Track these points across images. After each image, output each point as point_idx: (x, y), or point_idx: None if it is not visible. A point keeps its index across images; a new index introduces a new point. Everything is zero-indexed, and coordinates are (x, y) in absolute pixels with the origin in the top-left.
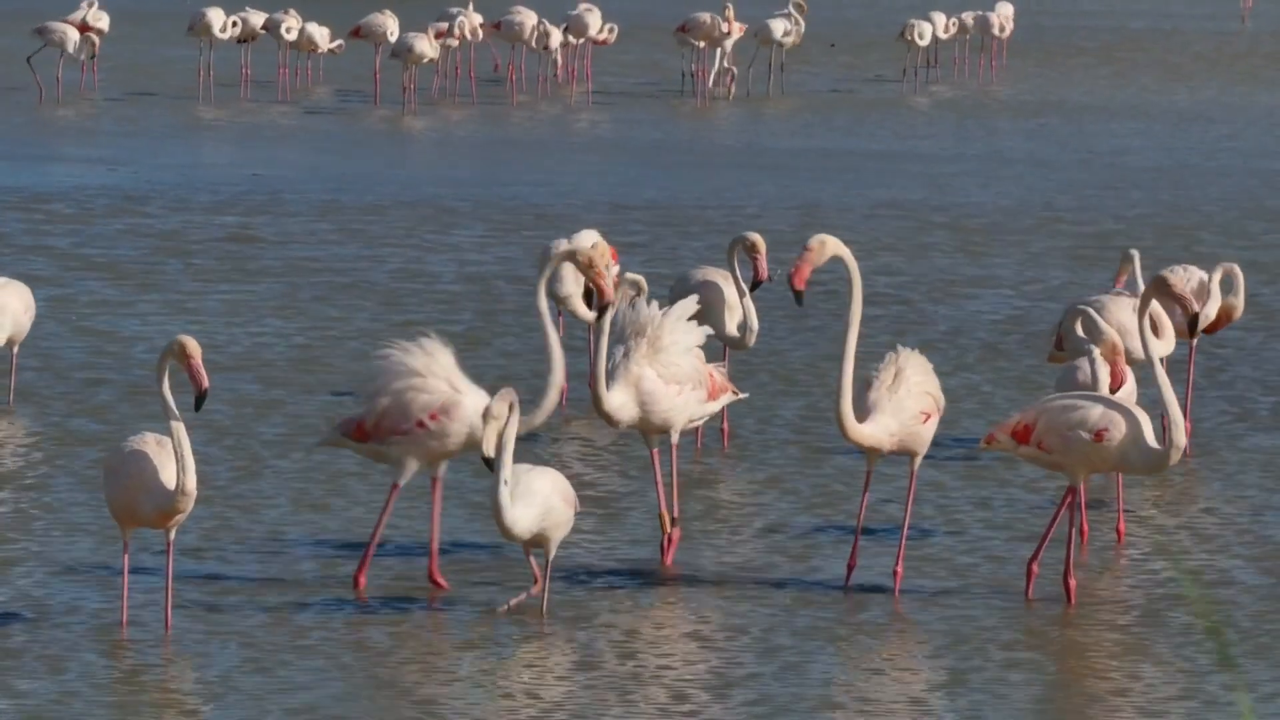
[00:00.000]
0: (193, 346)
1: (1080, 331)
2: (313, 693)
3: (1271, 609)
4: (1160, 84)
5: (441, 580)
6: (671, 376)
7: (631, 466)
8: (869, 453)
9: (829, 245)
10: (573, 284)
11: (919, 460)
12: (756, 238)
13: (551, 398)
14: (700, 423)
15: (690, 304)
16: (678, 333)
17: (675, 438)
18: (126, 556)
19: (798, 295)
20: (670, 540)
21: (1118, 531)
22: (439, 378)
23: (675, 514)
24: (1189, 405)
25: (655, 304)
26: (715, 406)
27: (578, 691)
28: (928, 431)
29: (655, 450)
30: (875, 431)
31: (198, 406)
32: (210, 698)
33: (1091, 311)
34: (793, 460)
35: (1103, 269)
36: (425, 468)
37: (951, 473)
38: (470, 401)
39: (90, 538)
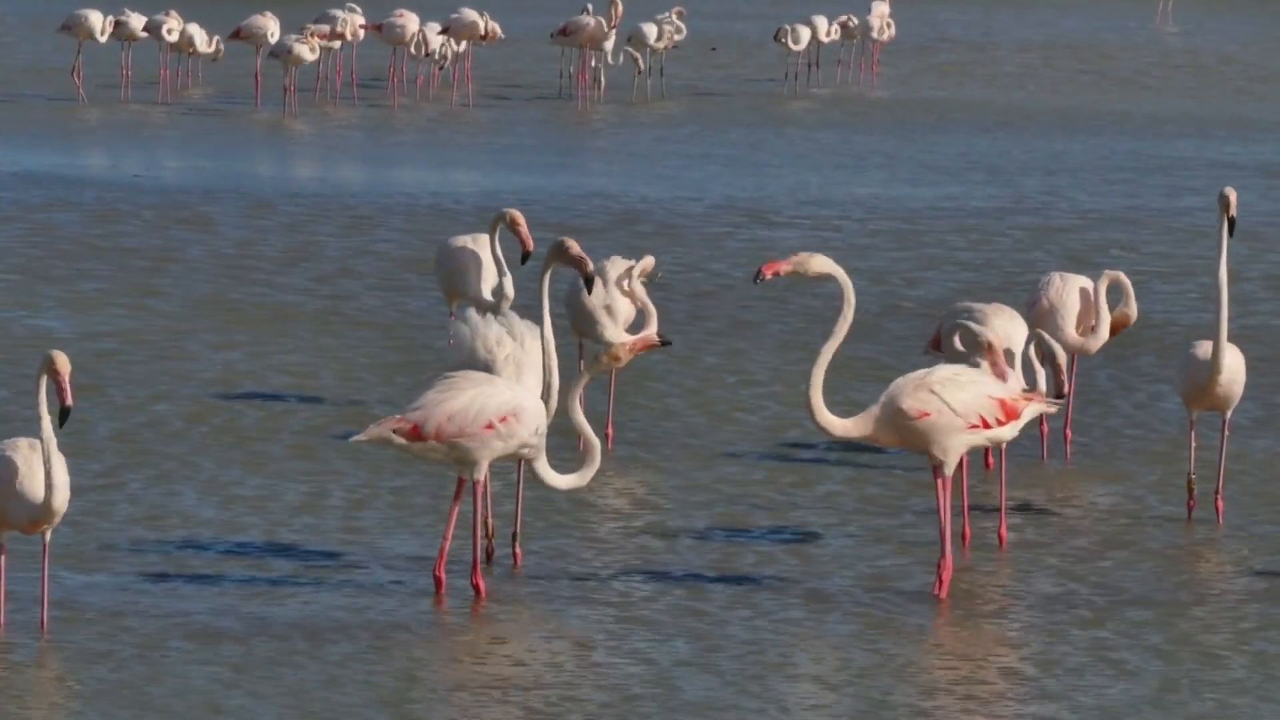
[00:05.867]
0: (61, 362)
1: (960, 346)
2: (187, 699)
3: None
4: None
5: (444, 577)
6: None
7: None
8: (869, 442)
9: (814, 261)
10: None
11: (945, 465)
12: (515, 214)
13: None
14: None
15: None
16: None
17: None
18: (3, 558)
19: (757, 275)
20: (490, 553)
21: (999, 535)
22: (500, 383)
23: (493, 532)
24: (1069, 414)
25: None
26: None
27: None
28: (930, 430)
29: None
30: (853, 424)
31: (61, 422)
32: (83, 700)
33: (971, 325)
34: (684, 460)
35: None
36: (483, 465)
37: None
38: (533, 405)
39: None
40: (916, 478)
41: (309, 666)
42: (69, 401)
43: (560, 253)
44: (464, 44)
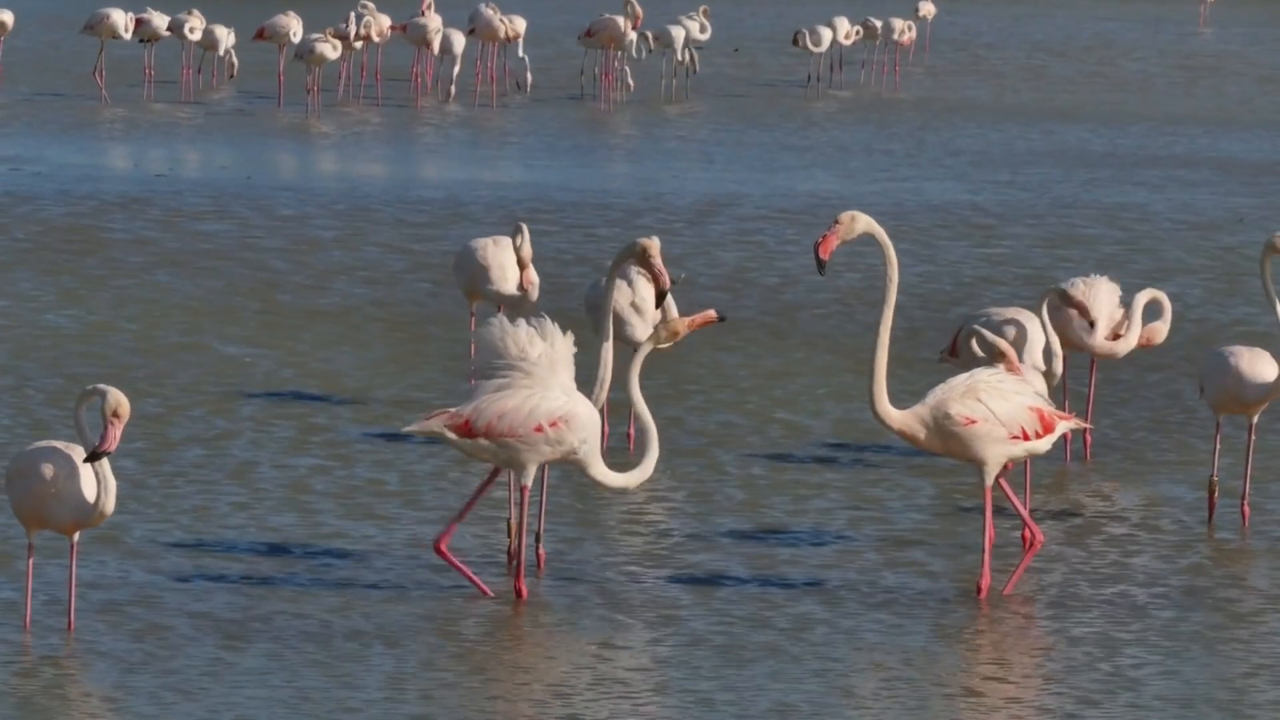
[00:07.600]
0: (124, 408)
1: (978, 350)
2: (214, 698)
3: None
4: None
5: (446, 552)
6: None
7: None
8: (910, 443)
9: (859, 221)
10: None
11: (985, 473)
12: (523, 252)
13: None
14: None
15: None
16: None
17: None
18: (31, 560)
19: (820, 265)
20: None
21: (1022, 539)
22: (557, 388)
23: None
24: (1090, 413)
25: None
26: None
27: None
28: (973, 438)
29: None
30: (903, 418)
31: (89, 459)
32: (110, 700)
33: (984, 331)
34: (699, 466)
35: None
36: (531, 468)
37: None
38: (585, 412)
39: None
40: (919, 480)
41: (328, 664)
42: (111, 448)
43: (639, 258)
44: (495, 46)
